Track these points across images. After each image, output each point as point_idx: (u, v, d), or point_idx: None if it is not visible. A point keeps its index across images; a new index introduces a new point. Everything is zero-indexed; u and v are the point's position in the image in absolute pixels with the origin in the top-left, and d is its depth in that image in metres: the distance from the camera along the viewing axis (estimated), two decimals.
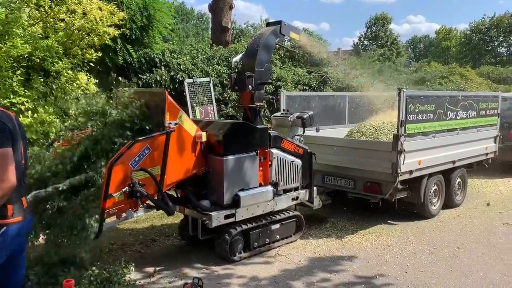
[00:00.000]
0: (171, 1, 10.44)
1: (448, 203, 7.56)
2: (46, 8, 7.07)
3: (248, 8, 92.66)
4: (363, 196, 6.77)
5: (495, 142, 8.50)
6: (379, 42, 47.53)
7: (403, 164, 6.10)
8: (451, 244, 5.89)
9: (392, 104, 8.88)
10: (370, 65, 20.82)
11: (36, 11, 7.23)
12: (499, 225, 6.73)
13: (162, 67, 10.17)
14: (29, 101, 6.63)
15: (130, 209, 4.53)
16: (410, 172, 6.35)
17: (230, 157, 5.06)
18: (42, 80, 7.03)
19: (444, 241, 6.04)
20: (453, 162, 7.26)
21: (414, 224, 6.79)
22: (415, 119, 6.32)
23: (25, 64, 6.51)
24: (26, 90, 6.65)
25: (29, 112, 6.60)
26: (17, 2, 6.63)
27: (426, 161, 6.60)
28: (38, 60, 6.74)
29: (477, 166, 8.47)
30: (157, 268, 5.04)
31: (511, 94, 11.56)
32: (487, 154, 8.30)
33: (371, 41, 49.21)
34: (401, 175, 6.13)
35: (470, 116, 7.58)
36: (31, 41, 6.73)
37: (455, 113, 7.17)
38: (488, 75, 25.02)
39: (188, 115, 7.95)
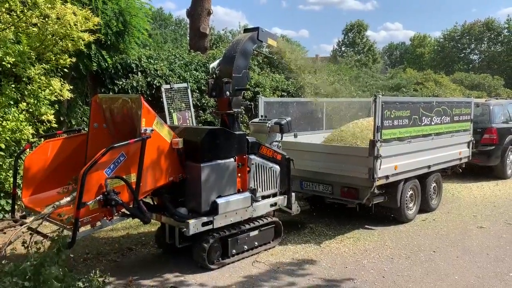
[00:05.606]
0: (148, 7, 10.31)
1: (424, 208, 7.67)
2: (18, 12, 6.88)
3: (227, 14, 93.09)
4: (341, 201, 6.81)
5: (468, 147, 8.69)
6: (356, 49, 48.41)
7: (379, 169, 6.16)
8: (427, 248, 5.98)
9: (368, 110, 9.00)
10: (347, 72, 21.13)
11: (8, 16, 7.03)
12: (473, 229, 6.87)
13: (139, 73, 10.04)
14: None
15: (105, 218, 4.44)
16: (387, 177, 6.41)
17: (208, 163, 5.00)
18: (13, 86, 6.83)
19: (420, 245, 6.12)
20: (429, 167, 7.39)
21: (391, 228, 6.86)
22: (390, 124, 6.41)
23: None
24: None
25: None
26: None
27: (402, 166, 6.69)
28: (9, 65, 6.55)
29: (452, 170, 8.64)
30: (134, 277, 4.93)
31: (483, 100, 11.87)
32: (461, 159, 8.48)
33: (348, 47, 50.07)
34: (377, 180, 6.19)
35: (444, 121, 7.74)
36: (1, 46, 6.54)
37: (429, 118, 7.31)
38: (462, 82, 25.73)
39: (165, 121, 7.89)
